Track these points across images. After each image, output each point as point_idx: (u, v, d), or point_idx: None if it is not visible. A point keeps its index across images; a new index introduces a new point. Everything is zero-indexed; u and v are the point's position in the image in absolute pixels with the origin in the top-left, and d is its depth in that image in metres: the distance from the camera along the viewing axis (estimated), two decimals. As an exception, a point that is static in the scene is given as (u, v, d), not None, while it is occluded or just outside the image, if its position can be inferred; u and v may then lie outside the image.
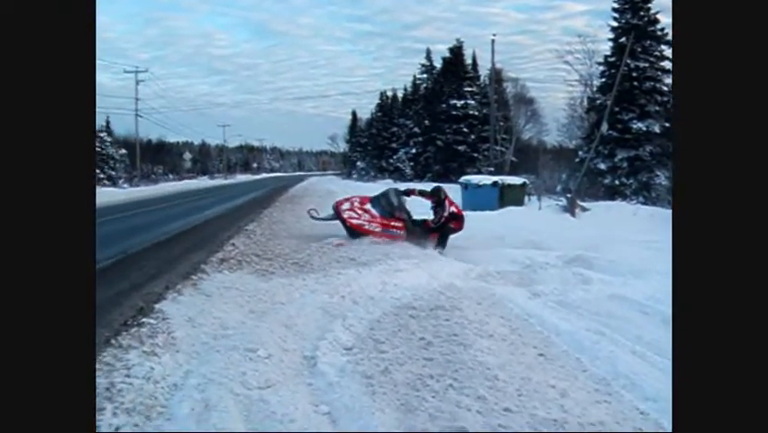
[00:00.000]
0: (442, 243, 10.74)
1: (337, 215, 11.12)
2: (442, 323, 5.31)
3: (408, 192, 11.70)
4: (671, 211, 16.05)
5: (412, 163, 50.23)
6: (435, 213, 11.25)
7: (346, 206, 11.23)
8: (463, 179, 21.74)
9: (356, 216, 11.01)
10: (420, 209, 11.79)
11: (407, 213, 11.29)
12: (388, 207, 11.16)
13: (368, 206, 11.20)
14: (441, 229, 10.94)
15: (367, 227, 10.93)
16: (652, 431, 3.52)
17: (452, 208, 11.18)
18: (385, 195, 11.47)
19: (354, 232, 10.83)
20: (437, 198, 11.29)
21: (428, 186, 13.17)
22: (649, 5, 26.16)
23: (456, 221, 11.10)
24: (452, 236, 10.89)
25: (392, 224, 11.01)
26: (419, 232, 11.04)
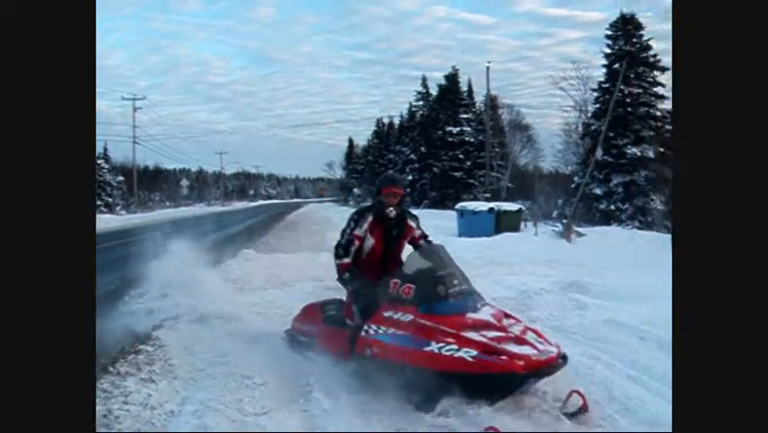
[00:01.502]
0: None
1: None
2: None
3: None
4: (666, 236, 16.12)
5: (409, 190, 50.32)
6: None
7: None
8: (459, 205, 21.82)
9: None
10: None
11: None
12: None
13: None
14: None
15: None
16: (652, 431, 3.59)
17: None
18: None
19: None
20: None
21: (425, 213, 12.81)
22: (641, 32, 26.52)
23: None
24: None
25: None
26: None
